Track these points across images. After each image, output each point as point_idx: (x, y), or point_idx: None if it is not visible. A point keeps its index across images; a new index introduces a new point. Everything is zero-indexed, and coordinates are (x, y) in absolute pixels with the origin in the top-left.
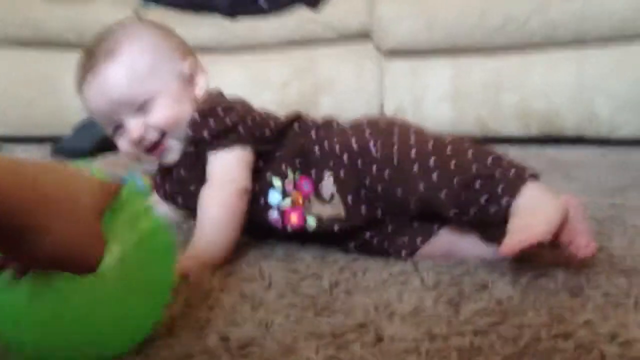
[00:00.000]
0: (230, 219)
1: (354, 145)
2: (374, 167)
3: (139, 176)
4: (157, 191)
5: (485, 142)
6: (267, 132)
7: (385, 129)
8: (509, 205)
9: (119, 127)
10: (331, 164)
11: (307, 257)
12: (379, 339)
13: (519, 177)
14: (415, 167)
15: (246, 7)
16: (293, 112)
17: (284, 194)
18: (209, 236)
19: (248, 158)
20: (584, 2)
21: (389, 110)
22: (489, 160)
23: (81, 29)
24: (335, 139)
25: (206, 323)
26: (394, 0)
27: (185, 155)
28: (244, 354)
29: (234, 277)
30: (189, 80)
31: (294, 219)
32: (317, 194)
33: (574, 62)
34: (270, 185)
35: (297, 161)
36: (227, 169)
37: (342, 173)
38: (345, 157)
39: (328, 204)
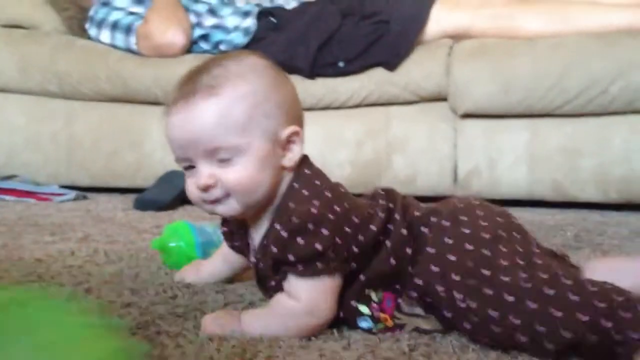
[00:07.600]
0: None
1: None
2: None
3: (219, 228)
4: (227, 242)
5: (561, 206)
6: (355, 250)
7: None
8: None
9: (191, 167)
10: (419, 289)
11: None
12: None
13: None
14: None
15: (325, 69)
16: (383, 205)
17: (374, 320)
18: (264, 332)
19: (336, 285)
20: None
21: (463, 172)
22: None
23: (167, 86)
24: (432, 267)
25: None
26: (471, 63)
27: (264, 257)
28: None
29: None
30: (282, 147)
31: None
32: (399, 309)
33: None
34: (358, 313)
35: (382, 281)
36: (316, 297)
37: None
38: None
39: (419, 318)
